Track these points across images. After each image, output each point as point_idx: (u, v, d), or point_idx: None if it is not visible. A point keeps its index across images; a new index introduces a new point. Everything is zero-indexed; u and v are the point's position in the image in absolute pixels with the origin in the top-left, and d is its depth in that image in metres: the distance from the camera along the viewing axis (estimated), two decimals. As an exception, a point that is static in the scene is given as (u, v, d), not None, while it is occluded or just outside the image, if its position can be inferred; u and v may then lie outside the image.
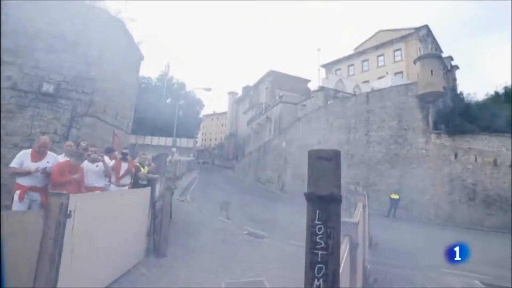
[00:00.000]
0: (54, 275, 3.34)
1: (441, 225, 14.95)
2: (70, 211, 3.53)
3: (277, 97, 34.57)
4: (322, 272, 1.34)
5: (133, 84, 11.82)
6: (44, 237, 3.30)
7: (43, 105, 6.85)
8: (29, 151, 4.36)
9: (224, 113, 75.00)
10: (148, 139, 32.18)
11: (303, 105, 29.77)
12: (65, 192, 3.68)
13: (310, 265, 1.37)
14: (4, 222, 3.16)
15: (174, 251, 6.20)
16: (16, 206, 3.98)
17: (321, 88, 28.73)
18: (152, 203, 5.93)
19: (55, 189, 3.99)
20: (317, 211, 1.37)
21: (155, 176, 6.37)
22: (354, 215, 4.71)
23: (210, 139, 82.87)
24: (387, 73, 31.01)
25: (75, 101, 7.24)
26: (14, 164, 4.19)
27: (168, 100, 41.46)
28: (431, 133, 18.38)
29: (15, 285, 3.14)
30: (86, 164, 4.82)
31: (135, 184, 5.88)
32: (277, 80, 40.97)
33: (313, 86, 38.64)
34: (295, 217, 11.46)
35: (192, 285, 4.68)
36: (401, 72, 31.06)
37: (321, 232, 1.35)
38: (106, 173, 5.16)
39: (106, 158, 5.29)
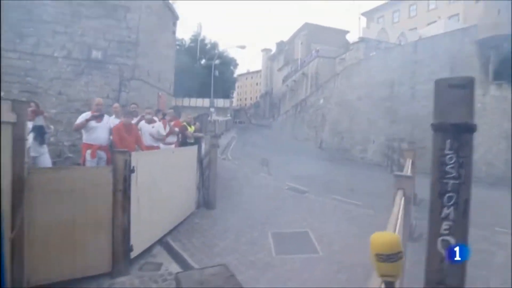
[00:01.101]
0: (126, 220, 3.86)
1: (493, 184, 14.04)
2: (133, 167, 3.95)
3: (313, 51, 32.74)
4: (453, 201, 1.35)
5: (171, 45, 11.95)
6: (115, 188, 3.77)
7: (94, 71, 7.31)
8: (89, 112, 4.80)
9: (258, 71, 73.51)
10: (186, 101, 33.13)
11: (342, 59, 27.98)
12: (127, 150, 4.09)
13: (439, 194, 1.38)
14: (85, 177, 3.64)
15: (222, 204, 6.71)
16: (89, 163, 4.53)
17: (362, 39, 26.47)
18: (200, 160, 6.33)
19: (121, 147, 4.42)
20: (448, 141, 1.35)
21: (201, 134, 6.69)
22: (404, 170, 4.62)
23: (246, 99, 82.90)
24: (439, 17, 27.38)
25: (121, 65, 7.58)
26: (78, 121, 4.64)
27: (203, 61, 41.45)
28: (490, 84, 16.44)
29: (98, 227, 3.71)
30: (143, 124, 5.19)
31: (183, 143, 6.26)
32: (312, 33, 38.40)
33: (352, 37, 35.73)
34: (335, 174, 11.57)
35: (242, 234, 5.11)
36: (456, 15, 27.24)
37: (452, 161, 1.34)
38: (170, 131, 5.53)
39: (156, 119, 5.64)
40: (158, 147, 5.39)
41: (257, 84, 76.54)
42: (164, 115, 6.12)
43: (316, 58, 30.92)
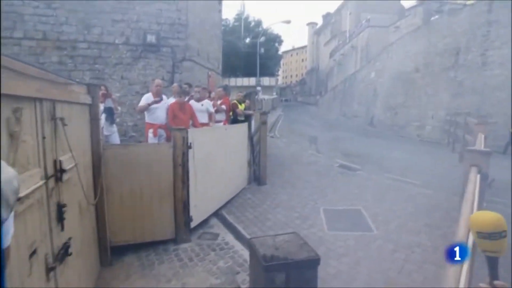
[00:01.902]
0: (186, 193, 4.16)
1: None
2: (190, 143, 4.18)
3: (363, 21, 30.22)
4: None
5: (217, 25, 12.05)
6: (175, 163, 4.05)
7: (150, 55, 7.74)
8: (149, 94, 5.15)
9: (304, 47, 70.74)
10: (232, 81, 33.60)
11: (396, 27, 25.40)
12: (184, 127, 4.33)
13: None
14: (149, 152, 3.98)
15: (272, 180, 6.84)
16: (151, 140, 4.93)
17: (421, 3, 23.59)
18: (250, 137, 6.46)
19: (174, 125, 4.71)
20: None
21: (251, 112, 6.78)
22: (476, 146, 4.16)
23: (291, 76, 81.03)
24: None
25: (173, 47, 7.89)
26: (141, 103, 5.03)
27: (247, 40, 41.16)
28: None
29: (162, 198, 4.07)
30: (192, 103, 5.43)
31: (234, 120, 6.42)
32: (362, 2, 35.27)
33: (407, 3, 31.94)
34: (388, 152, 10.92)
35: (293, 209, 5.19)
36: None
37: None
38: (218, 109, 5.76)
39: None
40: (208, 124, 5.62)
41: (302, 60, 74.00)
42: (210, 93, 6.30)
43: (366, 29, 28.57)
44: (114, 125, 5.17)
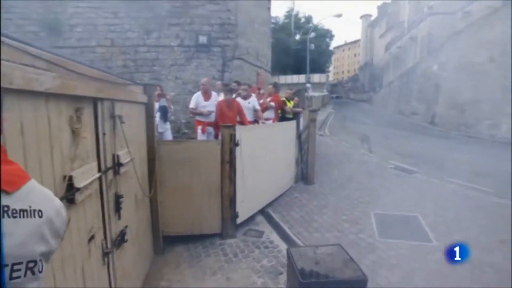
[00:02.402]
0: (233, 189, 4.23)
1: None
2: (238, 140, 4.24)
3: (424, 9, 27.52)
4: None
5: (267, 22, 12.07)
6: (223, 160, 4.14)
7: (202, 55, 8.07)
8: (199, 93, 5.36)
9: (357, 41, 67.26)
10: (282, 78, 33.46)
11: (466, 13, 22.60)
12: (231, 124, 4.40)
13: None
14: (199, 149, 4.14)
15: (320, 179, 6.63)
16: (200, 137, 5.13)
17: (501, -19, 20.55)
18: (298, 134, 6.34)
19: (221, 122, 4.82)
20: None
21: (299, 109, 6.65)
22: None
23: (343, 72, 77.79)
24: None
25: (223, 47, 8.11)
26: (192, 105, 5.26)
27: (297, 37, 40.57)
28: None
29: (210, 193, 4.20)
30: (240, 100, 5.50)
31: (282, 118, 6.36)
32: (424, -13, 32.05)
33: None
34: (452, 153, 9.80)
35: (341, 211, 4.96)
36: None
37: None
38: (266, 106, 5.79)
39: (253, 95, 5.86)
40: (257, 122, 5.64)
41: (355, 55, 70.47)
42: (259, 89, 6.32)
43: (428, 17, 25.99)
44: (168, 123, 5.52)
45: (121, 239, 2.38)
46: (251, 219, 4.74)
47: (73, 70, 1.48)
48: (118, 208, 2.35)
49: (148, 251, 3.67)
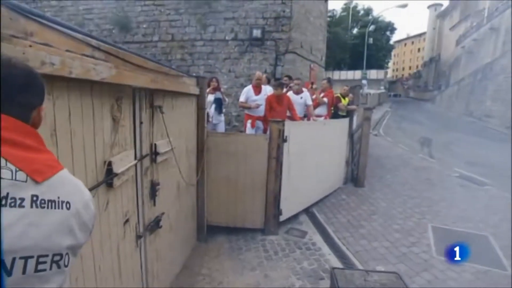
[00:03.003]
0: (278, 186, 4.15)
1: None
2: (286, 136, 4.14)
3: (513, -6, 23.73)
4: None
5: (323, 16, 11.60)
6: (270, 155, 4.08)
7: (255, 49, 8.08)
8: (250, 86, 5.34)
9: (421, 34, 61.27)
10: (336, 74, 32.15)
11: None
12: (280, 119, 4.31)
13: None
14: (246, 142, 4.14)
15: (371, 182, 6.20)
16: (249, 131, 5.13)
17: None
18: (350, 133, 5.99)
19: (270, 117, 4.74)
20: None
21: (354, 107, 6.27)
22: None
23: (403, 68, 71.85)
24: None
25: (277, 41, 8.00)
26: (242, 98, 5.28)
27: (354, 30, 38.49)
28: None
29: (254, 188, 4.19)
30: (290, 95, 5.35)
31: (334, 115, 6.06)
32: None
33: None
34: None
35: (393, 220, 4.56)
36: None
37: None
38: (319, 102, 5.59)
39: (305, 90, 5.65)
40: (308, 118, 5.45)
41: (419, 50, 64.37)
42: (312, 84, 6.08)
43: (518, 4, 22.36)
44: (222, 115, 5.58)
45: (155, 224, 2.49)
46: (294, 217, 4.62)
47: (129, 61, 1.53)
48: (153, 195, 2.45)
49: (189, 238, 3.81)
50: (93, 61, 1.24)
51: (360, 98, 9.45)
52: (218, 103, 5.33)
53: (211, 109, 5.20)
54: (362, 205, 5.15)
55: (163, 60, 7.91)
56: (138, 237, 2.18)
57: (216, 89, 5.33)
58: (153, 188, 2.45)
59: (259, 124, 5.18)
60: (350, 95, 6.42)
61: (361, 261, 3.43)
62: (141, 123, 2.12)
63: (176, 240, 3.24)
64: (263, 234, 4.19)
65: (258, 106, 5.04)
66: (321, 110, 5.97)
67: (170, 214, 2.93)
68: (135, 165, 2.07)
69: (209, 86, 5.33)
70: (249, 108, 5.14)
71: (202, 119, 3.89)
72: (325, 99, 5.93)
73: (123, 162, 1.77)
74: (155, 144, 2.41)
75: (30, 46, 0.92)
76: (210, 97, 5.26)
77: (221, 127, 5.57)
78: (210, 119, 5.27)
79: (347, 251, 3.66)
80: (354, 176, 6.16)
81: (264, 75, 6.00)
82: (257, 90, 5.17)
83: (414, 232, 4.15)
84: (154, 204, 2.51)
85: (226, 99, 5.46)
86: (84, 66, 1.17)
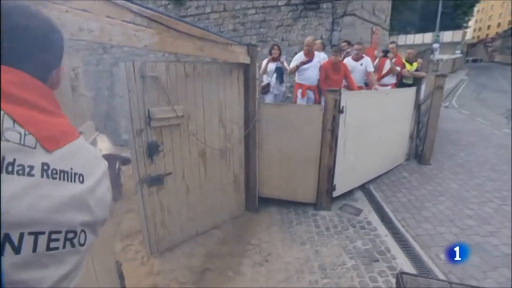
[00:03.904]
0: (332, 160, 3.93)
1: None
2: (343, 107, 3.81)
3: None
4: None
5: (390, -31, 10.11)
6: (324, 127, 3.83)
7: (310, 13, 7.46)
8: (301, 53, 4.97)
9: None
10: (401, 38, 28.59)
11: None
12: (336, 89, 3.97)
13: None
14: (299, 114, 3.94)
15: (439, 160, 5.53)
16: (299, 101, 4.87)
17: None
18: (417, 105, 5.30)
19: (325, 86, 4.40)
20: None
21: (422, 74, 5.48)
22: None
23: (488, 27, 60.79)
24: None
25: (334, 2, 7.26)
26: (292, 64, 4.94)
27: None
28: None
29: (307, 161, 4.03)
30: (349, 62, 4.87)
31: (399, 84, 5.40)
32: None
33: None
34: None
35: (465, 204, 4.02)
36: None
37: None
38: (389, 70, 5.08)
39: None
40: (370, 87, 4.94)
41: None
42: (387, 52, 5.37)
43: None
44: (283, 85, 5.33)
45: (156, 180, 3.03)
46: (349, 193, 4.39)
47: (173, 28, 1.45)
48: (150, 155, 2.94)
49: (227, 205, 3.98)
50: (134, 27, 1.18)
51: (430, 64, 8.25)
52: (280, 72, 5.05)
53: (272, 79, 5.03)
54: (427, 184, 4.63)
55: (216, 32, 7.87)
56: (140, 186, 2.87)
57: (276, 59, 5.10)
58: (150, 149, 2.90)
59: (310, 94, 4.86)
60: (420, 60, 5.60)
61: (422, 246, 3.11)
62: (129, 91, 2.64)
63: (199, 202, 3.57)
64: (315, 209, 4.08)
65: (306, 62, 4.66)
66: (389, 79, 5.34)
67: (186, 176, 3.36)
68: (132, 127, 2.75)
69: (270, 54, 5.14)
70: (296, 68, 4.76)
71: (253, 90, 3.78)
72: (398, 68, 5.27)
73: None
74: (148, 110, 2.81)
75: (67, 11, 0.88)
76: (271, 66, 5.07)
77: (279, 98, 5.39)
78: (272, 89, 5.12)
79: (406, 233, 3.35)
80: (419, 152, 5.54)
81: (319, 41, 5.53)
82: (309, 56, 4.78)
83: (492, 220, 3.59)
84: (152, 162, 2.97)
85: (287, 68, 5.16)
86: (124, 32, 1.11)
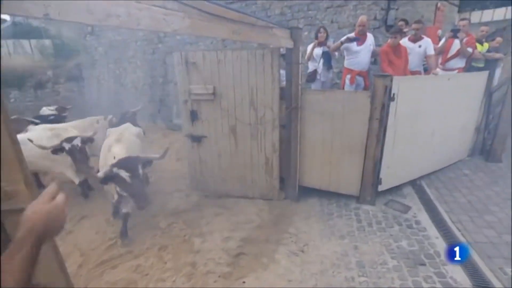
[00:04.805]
0: (379, 151, 3.65)
1: None
2: (394, 94, 3.47)
3: None
4: None
5: None
6: (371, 116, 3.55)
7: (364, -9, 6.86)
8: (352, 34, 4.58)
9: None
10: (475, 15, 24.93)
11: None
12: (389, 74, 3.62)
13: None
14: (345, 101, 3.70)
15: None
16: (347, 87, 4.55)
17: None
18: (489, 92, 4.60)
19: (391, 73, 4.01)
20: None
21: (498, 55, 4.70)
22: None
23: None
24: None
25: (393, -22, 6.54)
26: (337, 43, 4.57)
27: None
28: None
29: (351, 151, 3.81)
30: (406, 43, 4.39)
31: (468, 67, 4.72)
32: None
33: None
34: None
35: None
36: None
37: None
38: (458, 52, 4.53)
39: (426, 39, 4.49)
40: (421, 72, 4.42)
41: None
42: (456, 31, 4.65)
43: None
44: (331, 71, 4.94)
45: (195, 138, 4.24)
46: (396, 189, 4.06)
47: (206, 11, 1.41)
48: (192, 120, 4.14)
49: (257, 187, 4.21)
50: (163, 11, 1.17)
51: (505, 45, 7.02)
52: (327, 57, 4.69)
53: (319, 65, 4.74)
54: (494, 185, 4.06)
55: (263, 17, 7.72)
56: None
57: (323, 43, 4.75)
58: (192, 115, 4.14)
59: (359, 80, 4.50)
60: (498, 38, 4.79)
61: (481, 255, 2.74)
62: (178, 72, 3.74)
63: (230, 168, 4.24)
64: (357, 202, 3.87)
65: (353, 40, 4.28)
66: (457, 62, 4.70)
67: (218, 143, 4.18)
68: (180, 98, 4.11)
69: (316, 38, 4.84)
70: (340, 45, 4.40)
71: (296, 75, 3.64)
72: (470, 49, 4.59)
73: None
74: (189, 87, 3.97)
75: (95, -2, 0.90)
76: (317, 51, 4.76)
77: (327, 86, 5.02)
78: (318, 77, 4.85)
79: (462, 237, 2.98)
80: (487, 147, 4.86)
81: (363, 17, 5.02)
82: (361, 39, 4.40)
83: None
84: (193, 125, 4.18)
85: (336, 53, 4.79)
86: (153, 16, 1.11)
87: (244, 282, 2.71)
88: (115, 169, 2.69)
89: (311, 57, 4.84)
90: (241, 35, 1.86)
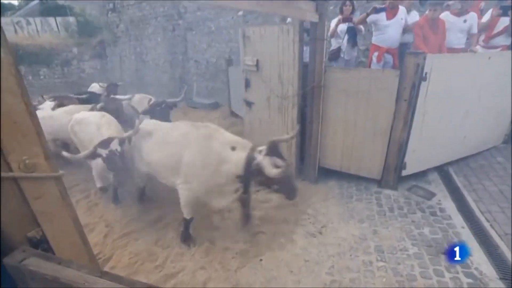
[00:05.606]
0: (406, 134, 3.48)
1: None
2: (426, 73, 3.24)
3: None
4: None
5: None
6: (399, 96, 3.35)
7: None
8: (384, 8, 4.24)
9: None
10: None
11: None
12: (423, 51, 3.36)
13: None
14: (371, 79, 3.50)
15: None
16: (374, 66, 4.28)
17: None
18: (533, 73, 4.19)
19: (425, 50, 3.73)
20: None
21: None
22: None
23: None
24: None
25: None
26: (367, 20, 4.24)
27: None
28: None
29: (375, 133, 3.65)
30: (448, 17, 4.01)
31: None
32: None
33: None
34: None
35: None
36: None
37: None
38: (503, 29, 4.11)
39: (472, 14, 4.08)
40: (464, 50, 4.07)
41: None
42: (507, 8, 4.22)
43: None
44: (356, 48, 4.59)
45: (248, 104, 4.73)
46: (421, 174, 3.89)
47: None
48: (246, 86, 4.62)
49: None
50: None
51: None
52: (352, 34, 4.36)
53: (343, 42, 4.44)
54: (530, 173, 3.79)
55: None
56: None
57: (348, 18, 4.41)
58: (246, 83, 4.59)
59: (388, 58, 4.21)
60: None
61: (510, 248, 2.60)
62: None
63: (265, 136, 3.93)
64: (379, 186, 3.77)
65: (380, 10, 3.95)
66: (502, 39, 4.28)
67: (260, 111, 4.51)
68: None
69: (341, 12, 4.52)
70: (365, 16, 4.08)
71: (320, 51, 3.46)
72: None
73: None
74: (244, 59, 4.42)
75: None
76: (342, 27, 4.45)
77: (351, 65, 4.72)
78: (342, 55, 4.58)
79: (491, 229, 2.83)
80: (527, 135, 4.51)
81: None
82: (391, 12, 4.04)
83: None
84: (247, 92, 4.64)
85: (362, 28, 4.44)
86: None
87: (261, 260, 2.75)
88: None
89: (335, 34, 4.56)
90: (264, 7, 1.75)
